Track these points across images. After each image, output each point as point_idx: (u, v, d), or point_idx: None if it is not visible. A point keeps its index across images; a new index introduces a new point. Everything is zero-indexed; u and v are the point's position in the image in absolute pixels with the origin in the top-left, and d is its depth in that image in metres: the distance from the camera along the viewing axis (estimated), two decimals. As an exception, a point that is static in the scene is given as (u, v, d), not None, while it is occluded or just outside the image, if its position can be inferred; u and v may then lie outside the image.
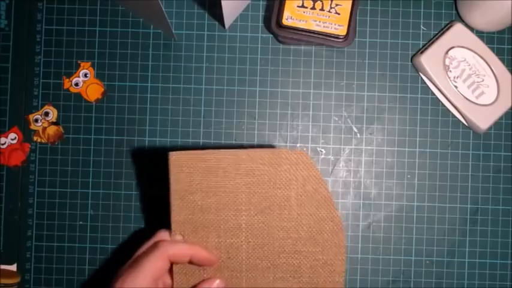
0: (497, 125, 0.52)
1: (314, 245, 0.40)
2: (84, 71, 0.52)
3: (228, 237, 0.40)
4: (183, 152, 0.39)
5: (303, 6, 0.47)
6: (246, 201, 0.40)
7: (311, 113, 0.52)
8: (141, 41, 0.52)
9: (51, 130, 0.52)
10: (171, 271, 0.40)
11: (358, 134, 0.52)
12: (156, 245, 0.38)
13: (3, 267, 0.51)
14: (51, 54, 0.52)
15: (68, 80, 0.52)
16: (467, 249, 0.52)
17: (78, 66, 0.52)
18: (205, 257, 0.39)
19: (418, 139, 0.52)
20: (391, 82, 0.52)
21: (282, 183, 0.40)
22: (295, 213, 0.40)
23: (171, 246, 0.38)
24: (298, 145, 0.52)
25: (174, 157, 0.40)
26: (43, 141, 0.52)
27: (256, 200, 0.40)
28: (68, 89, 0.52)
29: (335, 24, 0.47)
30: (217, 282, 0.39)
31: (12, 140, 0.52)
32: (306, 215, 0.40)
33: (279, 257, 0.40)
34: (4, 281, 0.50)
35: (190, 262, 0.39)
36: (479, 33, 0.52)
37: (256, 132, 0.52)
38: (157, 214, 0.51)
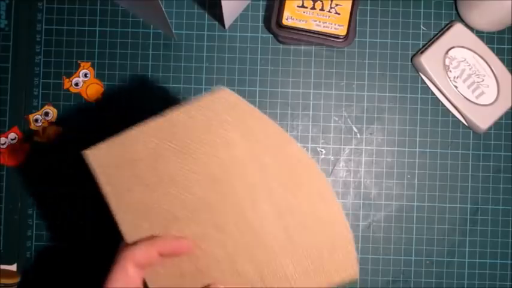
0: (497, 125, 0.52)
1: (293, 196, 0.34)
2: (84, 71, 0.52)
3: (190, 227, 0.34)
4: (99, 145, 0.34)
5: (303, 6, 0.47)
6: (192, 177, 0.34)
7: (311, 113, 0.52)
8: (141, 41, 0.52)
9: (51, 130, 0.52)
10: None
11: (358, 134, 0.52)
12: (117, 259, 0.33)
13: (3, 267, 0.51)
14: (51, 54, 0.52)
15: (68, 80, 0.52)
16: (467, 249, 0.52)
17: (78, 66, 0.52)
18: (174, 243, 0.34)
19: (418, 139, 0.52)
20: (391, 82, 0.52)
21: (222, 140, 0.34)
22: (253, 167, 0.34)
23: (131, 250, 0.33)
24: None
25: (91, 154, 0.34)
26: (43, 141, 0.52)
27: (204, 171, 0.34)
28: (68, 89, 0.52)
29: (335, 24, 0.47)
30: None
31: (12, 140, 0.52)
32: (266, 165, 0.34)
33: (259, 225, 0.34)
34: (4, 281, 0.50)
35: (165, 256, 0.34)
36: (479, 33, 0.52)
37: (256, 132, 0.52)
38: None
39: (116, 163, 0.34)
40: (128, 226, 0.34)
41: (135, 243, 0.33)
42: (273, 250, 0.34)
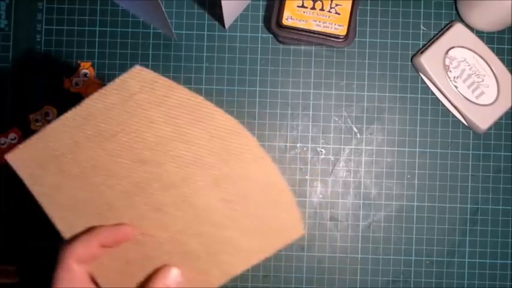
0: (497, 125, 0.52)
1: (225, 164, 0.33)
2: (84, 71, 0.52)
3: (127, 213, 0.33)
4: (19, 146, 0.33)
5: (303, 6, 0.47)
6: (118, 162, 0.33)
7: (311, 113, 0.52)
8: (141, 41, 0.52)
9: (51, 130, 0.52)
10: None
11: (358, 134, 0.52)
12: (59, 257, 0.32)
13: (3, 267, 0.51)
14: (51, 54, 0.52)
15: (68, 80, 0.52)
16: (467, 249, 0.52)
17: (78, 66, 0.52)
18: (113, 231, 0.32)
19: (418, 139, 0.52)
20: (391, 82, 0.52)
21: (142, 119, 0.33)
22: (179, 143, 0.33)
23: (71, 247, 0.31)
24: (298, 145, 0.52)
25: (13, 157, 0.33)
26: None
27: (128, 154, 0.33)
28: (68, 89, 0.52)
29: (335, 24, 0.47)
30: (172, 271, 0.33)
31: (12, 140, 0.52)
32: (191, 138, 0.33)
33: (198, 200, 0.33)
34: (4, 280, 0.50)
35: (107, 247, 0.33)
36: (479, 33, 0.52)
37: (256, 132, 0.52)
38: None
39: (39, 162, 0.33)
40: (64, 223, 0.33)
41: (74, 238, 0.32)
42: (216, 221, 0.33)
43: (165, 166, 0.33)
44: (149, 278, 0.33)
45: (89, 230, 0.33)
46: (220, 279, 0.34)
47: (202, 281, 0.34)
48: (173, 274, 0.33)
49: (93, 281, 0.33)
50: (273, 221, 0.34)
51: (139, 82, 0.33)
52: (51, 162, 0.33)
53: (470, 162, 0.52)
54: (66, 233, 0.33)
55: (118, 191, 0.33)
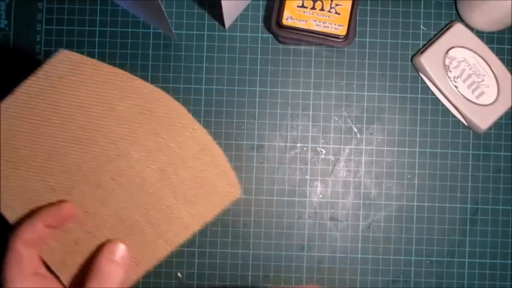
0: (497, 125, 0.52)
1: (155, 133, 0.34)
2: (84, 71, 0.52)
3: (69, 193, 0.34)
4: None
5: (303, 6, 0.47)
6: (53, 143, 0.34)
7: (311, 113, 0.52)
8: (141, 41, 0.52)
9: (51, 130, 0.52)
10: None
11: (358, 134, 0.52)
12: (7, 243, 0.32)
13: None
14: (51, 54, 0.52)
15: (68, 80, 0.52)
16: (467, 249, 0.52)
17: (78, 66, 0.52)
18: (55, 209, 0.33)
19: (418, 139, 0.52)
20: (391, 82, 0.52)
21: (72, 100, 0.33)
22: (109, 119, 0.34)
23: (17, 231, 0.32)
24: (298, 145, 0.52)
25: None
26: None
27: (62, 137, 0.34)
28: (68, 89, 0.52)
29: (335, 24, 0.47)
30: (117, 246, 0.33)
31: (12, 140, 0.52)
32: (121, 111, 0.34)
33: (135, 172, 0.34)
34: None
35: (53, 227, 0.33)
36: (479, 33, 0.52)
37: (256, 132, 0.52)
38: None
39: None
40: (8, 209, 0.34)
41: (19, 222, 0.33)
42: (154, 192, 0.34)
43: (99, 143, 0.34)
44: (94, 255, 0.33)
45: (33, 213, 0.33)
46: (166, 250, 0.35)
47: (148, 253, 0.34)
48: (119, 249, 0.33)
49: (45, 264, 0.34)
50: (209, 185, 0.35)
51: (66, 65, 0.34)
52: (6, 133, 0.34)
53: (470, 162, 0.52)
54: (11, 216, 0.34)
55: (58, 172, 0.34)
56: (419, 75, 0.52)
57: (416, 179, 0.52)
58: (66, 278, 0.34)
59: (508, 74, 0.51)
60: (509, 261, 0.52)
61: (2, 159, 0.34)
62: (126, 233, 0.34)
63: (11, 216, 0.34)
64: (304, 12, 0.47)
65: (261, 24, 0.52)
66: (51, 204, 0.33)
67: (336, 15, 0.47)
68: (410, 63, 0.52)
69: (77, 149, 0.34)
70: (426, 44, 0.52)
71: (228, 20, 0.50)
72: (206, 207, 0.35)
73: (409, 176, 0.52)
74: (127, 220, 0.34)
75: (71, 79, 0.34)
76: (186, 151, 0.34)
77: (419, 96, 0.52)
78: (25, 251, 0.31)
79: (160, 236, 0.34)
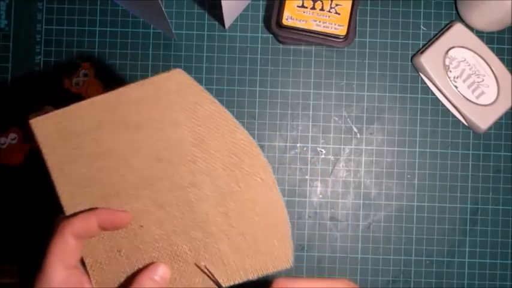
0: (497, 125, 0.52)
1: (235, 182, 0.34)
2: (84, 71, 0.52)
3: (130, 203, 0.34)
4: (47, 114, 0.33)
5: (303, 6, 0.47)
6: (136, 153, 0.34)
7: (311, 113, 0.52)
8: (141, 41, 0.52)
9: (51, 130, 0.52)
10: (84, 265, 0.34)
11: (358, 134, 0.52)
12: (55, 230, 0.32)
13: (3, 267, 0.51)
14: (51, 54, 0.52)
15: (68, 80, 0.52)
16: (467, 249, 0.52)
17: (78, 66, 0.52)
18: (113, 213, 0.33)
19: (418, 139, 0.52)
20: (391, 82, 0.52)
21: (170, 120, 0.34)
22: (198, 150, 0.34)
23: (70, 220, 0.32)
24: (298, 145, 0.52)
25: (37, 123, 0.33)
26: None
27: (147, 149, 0.34)
28: (68, 89, 0.52)
29: (335, 24, 0.47)
30: (161, 267, 0.34)
31: (12, 140, 0.52)
32: (210, 150, 0.34)
33: (201, 208, 0.34)
34: (4, 280, 0.50)
35: (104, 229, 0.33)
36: (479, 33, 0.52)
37: (256, 132, 0.52)
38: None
39: (61, 134, 0.33)
40: (68, 198, 0.33)
41: (74, 214, 0.32)
42: (211, 232, 0.34)
43: (178, 168, 0.34)
44: (137, 271, 0.34)
45: (90, 209, 0.33)
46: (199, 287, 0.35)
47: (183, 284, 0.34)
48: (161, 270, 0.34)
49: (81, 261, 0.34)
50: (265, 246, 0.35)
51: (176, 84, 0.33)
52: (72, 137, 0.33)
53: (470, 162, 0.52)
54: (67, 207, 0.33)
55: (128, 181, 0.34)
56: (419, 75, 0.52)
57: (416, 179, 0.52)
58: (98, 281, 0.34)
59: (508, 74, 0.51)
60: (509, 261, 0.52)
61: (82, 150, 0.33)
62: (170, 258, 0.34)
63: (68, 207, 0.34)
64: (304, 12, 0.47)
65: (261, 24, 0.52)
66: (111, 208, 0.34)
67: (336, 15, 0.47)
68: (410, 63, 0.52)
69: (155, 165, 0.34)
70: (426, 44, 0.52)
71: (228, 20, 0.50)
72: (254, 265, 0.35)
73: (409, 176, 0.52)
74: (176, 247, 0.34)
75: (176, 99, 0.34)
76: (256, 207, 0.34)
77: (419, 96, 0.52)
78: (72, 242, 0.31)
79: (200, 274, 0.35)
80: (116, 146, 0.33)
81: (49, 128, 0.33)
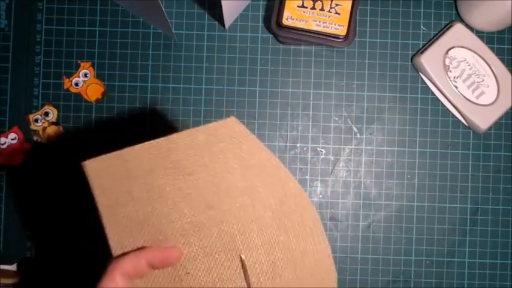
0: (497, 125, 0.52)
1: (284, 231, 0.34)
2: (84, 71, 0.52)
3: (180, 244, 0.34)
4: (99, 157, 0.34)
5: (303, 6, 0.47)
6: (186, 199, 0.34)
7: (311, 113, 0.52)
8: (141, 41, 0.52)
9: (51, 130, 0.52)
10: None
11: (358, 134, 0.52)
12: (106, 270, 0.32)
13: (3, 267, 0.51)
14: (51, 54, 0.52)
15: (68, 80, 0.52)
16: (467, 249, 0.52)
17: (78, 66, 0.52)
18: (163, 251, 0.33)
19: (418, 139, 0.52)
20: (391, 82, 0.52)
21: (221, 167, 0.34)
22: (248, 198, 0.34)
23: (120, 261, 0.32)
24: (298, 145, 0.52)
25: (90, 165, 0.33)
26: (43, 141, 0.52)
27: (198, 195, 0.34)
28: (68, 89, 0.52)
29: (335, 24, 0.47)
30: None
31: (12, 140, 0.52)
32: (261, 197, 0.34)
33: (248, 257, 0.34)
34: (4, 280, 0.50)
35: (153, 267, 0.33)
36: (479, 33, 0.52)
37: (256, 132, 0.52)
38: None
39: (113, 177, 0.33)
40: (117, 241, 0.33)
41: (123, 255, 0.33)
42: (259, 281, 0.34)
43: (228, 216, 0.34)
44: None
45: (139, 249, 0.33)
46: None
47: None
48: None
49: None
50: None
51: (229, 132, 0.34)
52: (124, 180, 0.33)
53: (470, 162, 0.52)
54: (116, 249, 0.33)
55: (177, 226, 0.34)
56: (419, 75, 0.52)
57: (416, 179, 0.52)
58: None
59: (508, 74, 0.51)
60: (509, 261, 0.52)
61: (133, 194, 0.33)
62: None
63: (116, 248, 0.33)
64: (304, 12, 0.47)
65: (261, 24, 0.52)
66: (160, 246, 0.33)
67: (336, 15, 0.47)
68: (410, 63, 0.52)
69: (205, 212, 0.34)
70: (426, 44, 0.52)
71: (228, 20, 0.50)
72: None
73: (409, 176, 0.52)
74: None
75: (229, 147, 0.34)
76: (303, 257, 0.34)
77: (419, 96, 0.52)
78: (121, 281, 0.31)
79: None
80: (167, 192, 0.33)
81: (101, 171, 0.33)
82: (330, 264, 0.35)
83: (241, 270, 0.34)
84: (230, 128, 0.34)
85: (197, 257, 0.34)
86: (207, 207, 0.34)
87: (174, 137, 0.34)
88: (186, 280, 0.33)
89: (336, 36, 0.47)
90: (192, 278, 0.34)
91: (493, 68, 0.50)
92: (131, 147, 0.33)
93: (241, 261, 0.34)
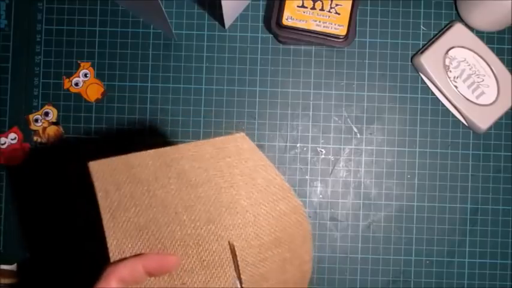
0: (497, 125, 0.52)
1: (279, 245, 0.34)
2: (84, 71, 0.52)
3: (178, 254, 0.33)
4: (105, 159, 0.33)
5: (303, 6, 0.47)
6: (188, 211, 0.33)
7: (311, 113, 0.52)
8: (141, 41, 0.52)
9: (51, 130, 0.52)
10: None
11: (358, 134, 0.52)
12: (101, 275, 0.32)
13: (3, 267, 0.51)
14: (51, 54, 0.52)
15: (68, 80, 0.52)
16: (467, 249, 0.52)
17: (78, 66, 0.52)
18: (162, 259, 0.33)
19: (418, 139, 0.52)
20: (391, 82, 0.52)
21: (226, 182, 0.34)
22: (251, 215, 0.34)
23: (117, 266, 0.31)
24: (298, 145, 0.52)
25: (95, 166, 0.33)
26: (43, 141, 0.52)
27: (200, 208, 0.33)
28: (68, 89, 0.52)
29: (335, 24, 0.47)
30: None
31: (12, 140, 0.52)
32: (263, 214, 0.34)
33: (243, 271, 0.33)
34: (4, 281, 0.50)
35: (150, 274, 0.33)
36: (479, 33, 0.52)
37: (256, 132, 0.52)
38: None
39: (117, 180, 0.33)
40: (116, 245, 0.33)
41: (120, 260, 0.32)
42: None
43: (229, 231, 0.33)
44: None
45: (137, 255, 0.33)
46: None
47: None
48: None
49: None
50: None
51: (237, 149, 0.34)
52: (128, 185, 0.33)
53: (470, 162, 0.52)
54: (114, 253, 0.33)
55: (176, 237, 0.33)
56: (419, 75, 0.52)
57: (416, 179, 0.52)
58: None
59: (508, 74, 0.51)
60: (509, 261, 0.52)
61: (135, 200, 0.33)
62: None
63: (115, 252, 0.33)
64: (304, 12, 0.47)
65: (261, 24, 0.52)
66: (158, 253, 0.33)
67: (336, 15, 0.47)
68: (410, 63, 0.52)
69: (205, 226, 0.33)
70: (426, 44, 0.52)
71: (228, 20, 0.50)
72: None
73: (409, 176, 0.52)
74: None
75: (235, 163, 0.33)
76: (292, 266, 0.35)
77: (419, 96, 0.52)
78: (116, 287, 0.31)
79: None
80: (169, 201, 0.33)
81: (106, 173, 0.33)
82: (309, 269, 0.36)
83: (239, 287, 0.33)
84: (238, 143, 0.34)
85: (194, 269, 0.33)
86: (208, 220, 0.33)
87: (180, 147, 0.33)
88: None
89: (336, 36, 0.47)
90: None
91: (493, 68, 0.50)
92: (137, 153, 0.33)
93: (239, 278, 0.33)
